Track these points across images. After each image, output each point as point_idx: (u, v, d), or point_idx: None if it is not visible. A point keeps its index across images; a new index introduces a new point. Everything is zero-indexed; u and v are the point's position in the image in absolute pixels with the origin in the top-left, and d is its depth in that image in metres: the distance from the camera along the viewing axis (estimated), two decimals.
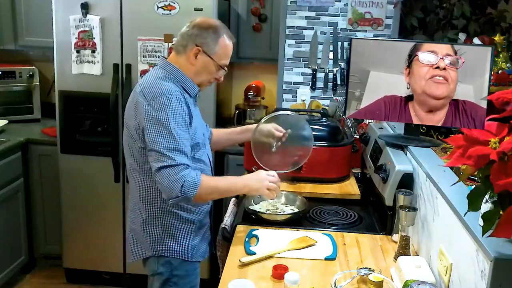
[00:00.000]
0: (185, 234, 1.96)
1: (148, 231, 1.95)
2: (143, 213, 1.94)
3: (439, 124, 1.91)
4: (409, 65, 1.83)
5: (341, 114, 3.03)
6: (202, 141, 1.99)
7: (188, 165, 1.81)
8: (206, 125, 2.21)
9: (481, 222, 1.12)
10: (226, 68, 1.99)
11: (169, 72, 1.91)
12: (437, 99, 1.81)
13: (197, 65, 1.92)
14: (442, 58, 1.65)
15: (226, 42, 1.94)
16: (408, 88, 1.89)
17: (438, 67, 1.70)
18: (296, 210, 2.14)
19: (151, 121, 1.81)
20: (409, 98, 1.97)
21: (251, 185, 1.93)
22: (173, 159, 1.78)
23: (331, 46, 3.18)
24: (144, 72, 3.06)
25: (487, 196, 1.11)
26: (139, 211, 1.96)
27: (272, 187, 1.92)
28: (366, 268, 1.56)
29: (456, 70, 1.66)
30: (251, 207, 2.12)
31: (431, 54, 1.69)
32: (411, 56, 1.83)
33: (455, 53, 1.66)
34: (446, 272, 1.44)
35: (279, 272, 1.62)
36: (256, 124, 2.23)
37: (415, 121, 1.99)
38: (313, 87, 3.23)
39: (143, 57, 3.07)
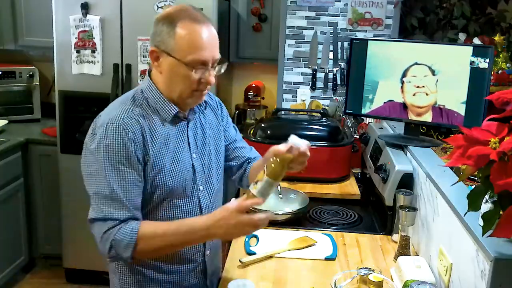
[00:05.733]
0: None
1: (111, 280, 1.62)
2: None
3: (430, 120, 2.09)
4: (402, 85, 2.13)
5: (341, 114, 3.03)
6: (183, 186, 1.52)
7: (119, 219, 1.40)
8: (246, 151, 1.78)
9: (481, 222, 1.12)
10: (202, 66, 1.42)
11: (144, 89, 1.52)
12: (420, 108, 2.09)
13: (164, 72, 1.46)
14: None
15: (191, 29, 1.40)
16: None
17: (418, 87, 2.07)
18: (298, 207, 2.12)
19: (87, 157, 1.46)
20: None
21: (222, 234, 1.42)
22: (101, 211, 1.41)
23: (331, 46, 3.18)
24: (144, 72, 3.06)
25: (487, 196, 1.11)
26: None
27: (258, 226, 1.43)
28: (366, 268, 1.56)
29: (434, 85, 2.03)
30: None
31: (413, 78, 2.09)
32: (402, 78, 2.12)
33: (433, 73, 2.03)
34: (446, 272, 1.44)
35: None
36: None
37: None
38: (313, 87, 3.23)
39: (143, 57, 3.07)
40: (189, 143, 1.56)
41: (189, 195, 1.55)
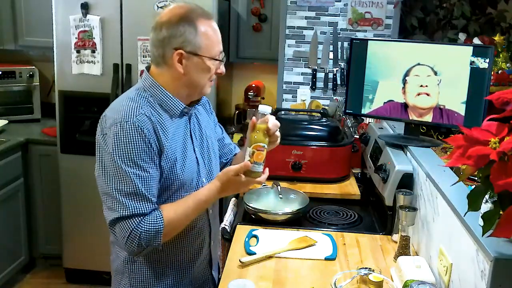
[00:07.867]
0: None
1: (118, 281, 1.63)
2: (115, 259, 1.64)
3: (430, 120, 2.08)
4: (404, 85, 2.12)
5: (341, 114, 3.03)
6: (191, 178, 1.57)
7: (145, 213, 1.44)
8: (232, 147, 1.89)
9: (481, 222, 1.12)
10: (222, 57, 1.55)
11: (146, 88, 1.53)
12: (423, 109, 2.09)
13: (189, 72, 1.50)
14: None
15: (208, 25, 1.49)
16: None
17: (421, 86, 2.06)
18: (298, 207, 2.12)
19: (103, 158, 1.46)
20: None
21: (223, 194, 1.56)
22: (126, 208, 1.42)
23: (331, 46, 3.18)
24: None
25: (487, 196, 1.11)
26: (115, 254, 1.65)
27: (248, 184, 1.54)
28: (366, 268, 1.56)
29: (436, 85, 2.03)
30: (251, 205, 2.11)
31: (415, 77, 2.08)
32: (404, 78, 2.11)
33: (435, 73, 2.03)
34: (446, 272, 1.44)
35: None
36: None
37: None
38: (313, 87, 3.23)
39: (143, 57, 3.07)
40: (191, 137, 1.62)
41: (195, 188, 1.59)
